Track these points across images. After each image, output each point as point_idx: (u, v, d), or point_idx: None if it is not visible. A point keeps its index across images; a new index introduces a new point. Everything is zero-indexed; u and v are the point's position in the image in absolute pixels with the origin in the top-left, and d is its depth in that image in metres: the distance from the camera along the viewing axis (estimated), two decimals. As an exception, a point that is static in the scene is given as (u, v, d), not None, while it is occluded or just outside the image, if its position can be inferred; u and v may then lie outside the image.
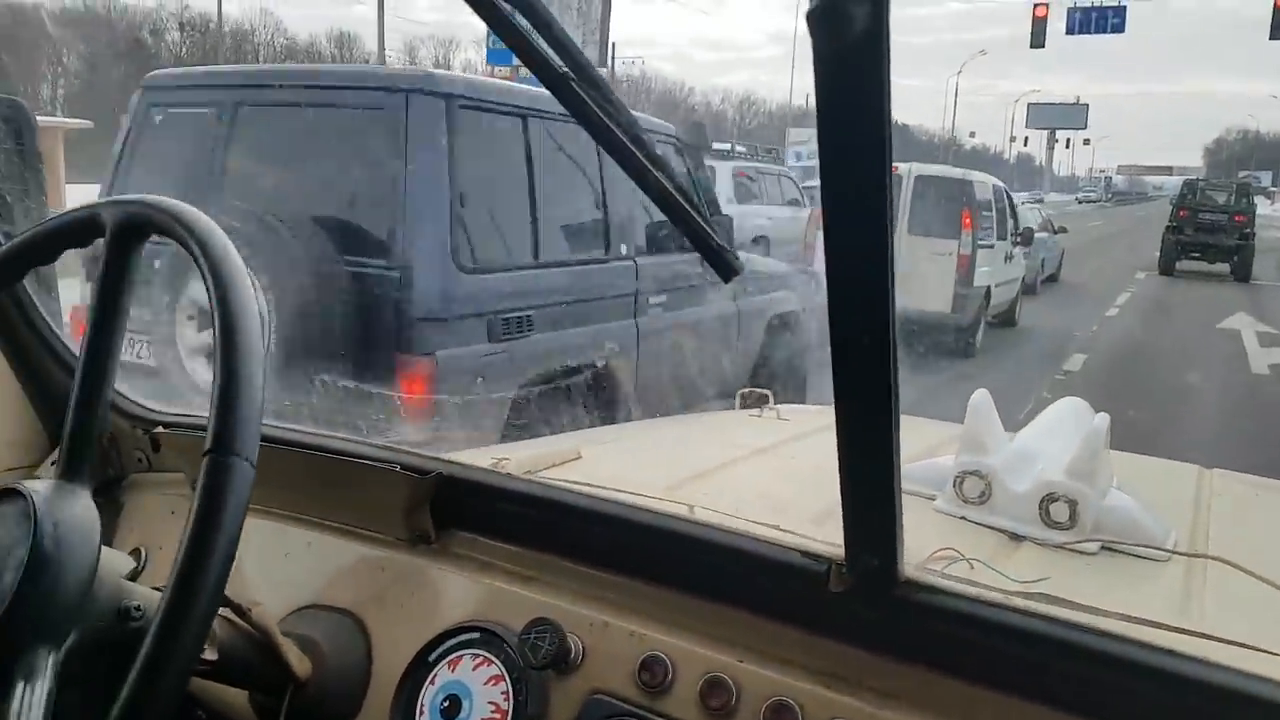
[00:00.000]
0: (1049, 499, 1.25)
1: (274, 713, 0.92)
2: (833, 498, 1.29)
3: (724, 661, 0.84)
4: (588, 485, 1.05)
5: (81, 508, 0.72)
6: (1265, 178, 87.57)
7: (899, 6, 0.54)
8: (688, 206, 0.69)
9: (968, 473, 1.31)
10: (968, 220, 9.51)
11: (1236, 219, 19.91)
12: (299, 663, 0.90)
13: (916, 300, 8.98)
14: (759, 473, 1.55)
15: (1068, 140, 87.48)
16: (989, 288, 9.87)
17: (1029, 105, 73.80)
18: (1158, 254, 20.45)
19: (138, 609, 0.73)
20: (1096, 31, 31.23)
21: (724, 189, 12.86)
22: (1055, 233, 16.15)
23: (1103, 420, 1.28)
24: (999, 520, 1.29)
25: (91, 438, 0.75)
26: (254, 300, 0.69)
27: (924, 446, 1.55)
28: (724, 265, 0.69)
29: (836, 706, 0.78)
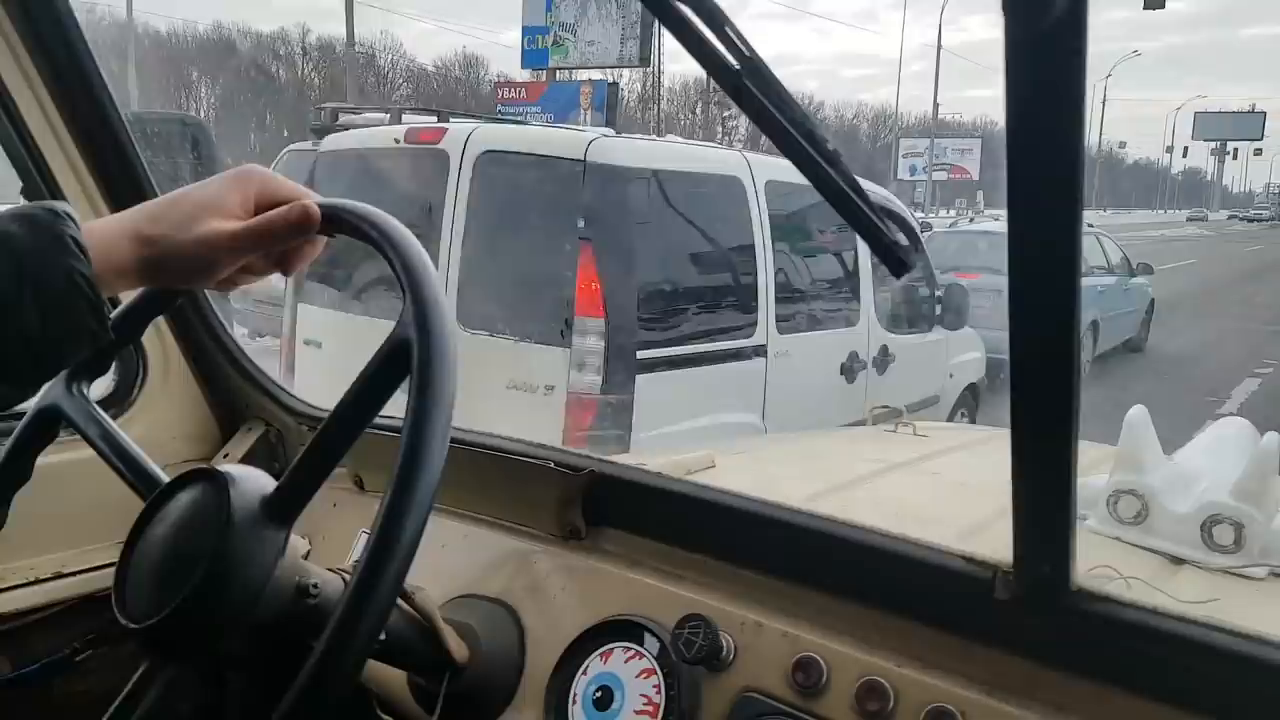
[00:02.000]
0: (1212, 520, 1.19)
1: (430, 695, 0.95)
2: (981, 513, 1.27)
3: (881, 666, 0.83)
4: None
5: (272, 534, 0.70)
6: None
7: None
8: (860, 203, 0.69)
9: (1123, 492, 1.27)
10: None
11: None
12: (458, 648, 0.93)
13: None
14: (899, 487, 1.53)
15: (1234, 151, 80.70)
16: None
17: (1195, 114, 65.20)
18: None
19: (315, 586, 0.76)
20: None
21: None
22: (1132, 274, 10.39)
23: (1272, 440, 1.22)
24: (1157, 541, 1.24)
25: (313, 491, 0.71)
26: (448, 310, 0.69)
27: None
28: (896, 262, 0.69)
29: (1002, 717, 0.76)
